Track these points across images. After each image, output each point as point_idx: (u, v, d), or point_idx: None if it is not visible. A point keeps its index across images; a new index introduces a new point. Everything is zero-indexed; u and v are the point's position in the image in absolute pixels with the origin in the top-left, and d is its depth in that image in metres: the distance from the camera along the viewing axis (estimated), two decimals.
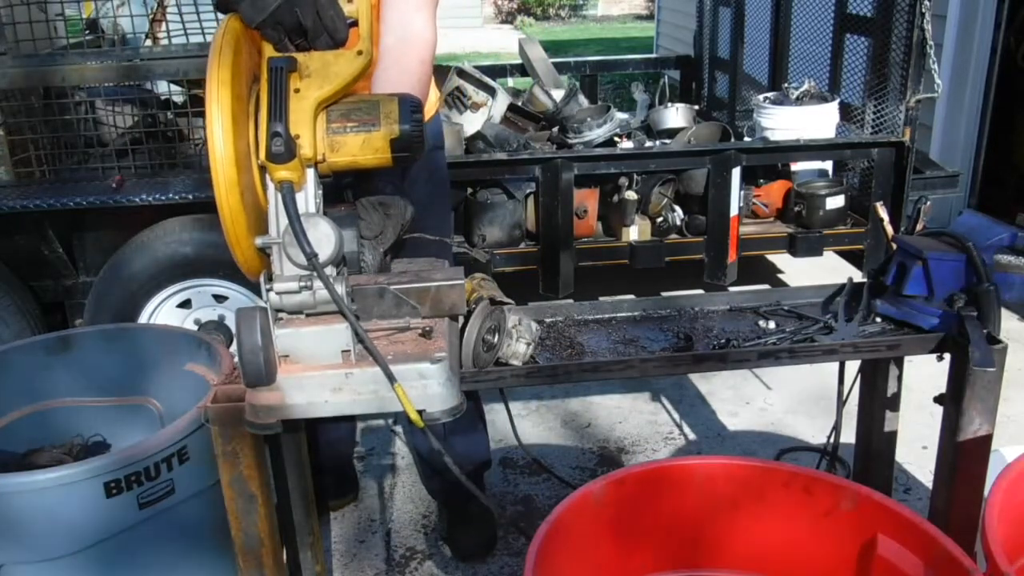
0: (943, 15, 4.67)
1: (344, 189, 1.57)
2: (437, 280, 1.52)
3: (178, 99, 3.43)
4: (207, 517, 1.96)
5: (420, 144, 1.44)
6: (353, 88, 1.43)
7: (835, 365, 2.10)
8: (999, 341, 1.72)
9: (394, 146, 1.42)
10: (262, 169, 1.39)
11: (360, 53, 1.41)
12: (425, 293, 1.50)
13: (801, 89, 4.24)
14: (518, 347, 1.71)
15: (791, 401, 3.39)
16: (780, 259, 4.68)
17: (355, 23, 1.45)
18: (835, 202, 3.90)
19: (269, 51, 1.42)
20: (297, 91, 1.37)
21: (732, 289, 3.63)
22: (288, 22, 1.38)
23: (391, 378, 1.36)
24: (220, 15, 3.15)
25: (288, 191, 1.34)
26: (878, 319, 1.87)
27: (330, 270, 1.38)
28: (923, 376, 2.86)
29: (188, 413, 1.91)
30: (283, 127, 1.33)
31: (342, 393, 1.40)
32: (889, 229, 2.30)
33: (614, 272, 3.93)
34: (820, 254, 3.95)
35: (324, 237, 1.35)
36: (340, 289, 1.36)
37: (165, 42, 3.51)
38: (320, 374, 1.39)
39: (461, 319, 1.63)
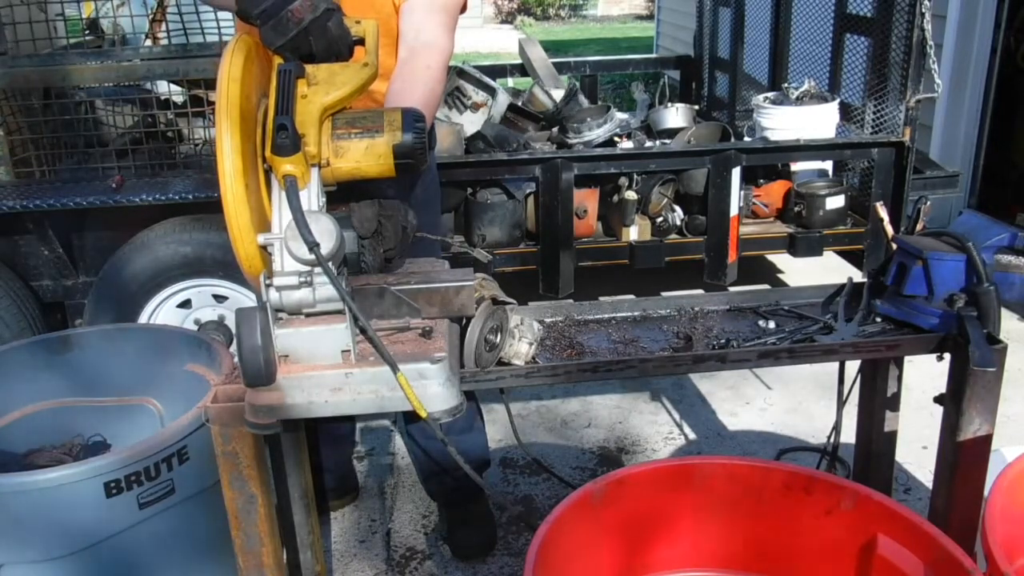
0: (943, 15, 4.67)
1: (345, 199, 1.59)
2: (446, 281, 1.52)
3: (178, 99, 3.43)
4: (207, 517, 1.96)
5: (422, 153, 1.47)
6: (357, 103, 1.47)
7: (835, 365, 2.10)
8: (999, 341, 1.72)
9: (396, 152, 1.44)
10: (267, 173, 1.40)
11: (366, 65, 1.46)
12: (435, 294, 1.51)
13: (801, 89, 4.24)
14: (520, 347, 1.71)
15: (791, 401, 3.39)
16: (780, 259, 4.68)
17: (361, 41, 1.52)
18: (835, 202, 3.90)
19: (278, 62, 1.47)
20: (304, 97, 1.41)
21: (732, 289, 3.63)
22: (303, 49, 1.46)
23: (394, 367, 1.36)
24: (221, 17, 3.15)
25: (292, 185, 1.35)
26: (878, 319, 1.87)
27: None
28: (923, 376, 2.87)
29: (188, 413, 1.91)
30: (289, 121, 1.35)
31: (342, 393, 1.40)
32: (889, 229, 2.31)
33: (614, 272, 3.93)
34: (820, 254, 3.95)
35: (326, 231, 1.36)
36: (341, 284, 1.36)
37: (165, 42, 3.52)
38: (320, 374, 1.39)
39: (463, 319, 1.63)
